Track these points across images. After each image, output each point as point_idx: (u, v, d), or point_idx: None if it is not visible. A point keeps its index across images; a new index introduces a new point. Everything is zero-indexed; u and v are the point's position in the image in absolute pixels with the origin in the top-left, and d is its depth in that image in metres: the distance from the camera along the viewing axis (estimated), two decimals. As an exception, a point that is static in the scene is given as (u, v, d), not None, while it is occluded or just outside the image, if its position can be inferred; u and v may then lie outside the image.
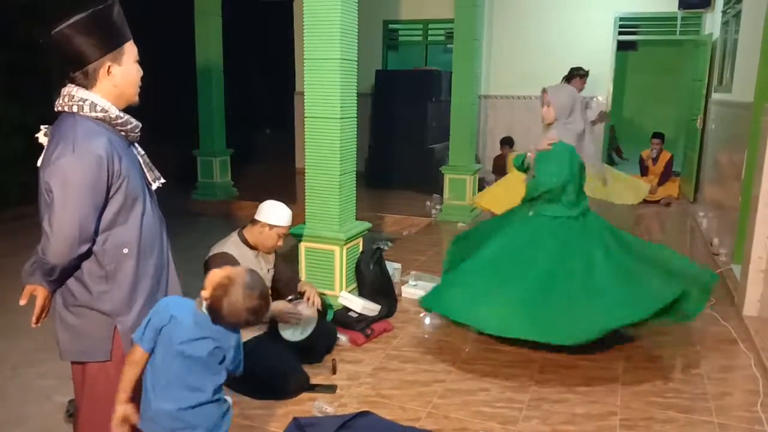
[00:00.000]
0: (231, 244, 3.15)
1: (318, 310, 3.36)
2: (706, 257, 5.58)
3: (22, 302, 1.96)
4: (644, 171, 8.32)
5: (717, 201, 6.15)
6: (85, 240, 1.79)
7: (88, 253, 1.83)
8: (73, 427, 2.07)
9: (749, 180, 4.48)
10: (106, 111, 1.83)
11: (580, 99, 3.75)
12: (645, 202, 7.97)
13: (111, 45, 1.82)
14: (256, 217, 3.19)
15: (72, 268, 1.84)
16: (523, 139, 8.60)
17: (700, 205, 7.46)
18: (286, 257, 3.78)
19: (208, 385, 1.84)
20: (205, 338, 1.80)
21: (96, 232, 1.82)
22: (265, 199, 3.31)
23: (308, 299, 3.37)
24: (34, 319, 1.97)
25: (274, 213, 3.18)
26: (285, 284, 3.44)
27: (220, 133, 8.05)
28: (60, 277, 1.86)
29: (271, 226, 3.17)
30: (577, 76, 5.87)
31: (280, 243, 3.25)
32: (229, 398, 1.98)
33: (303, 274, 4.03)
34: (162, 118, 8.89)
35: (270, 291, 3.34)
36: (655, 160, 8.24)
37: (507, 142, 8.57)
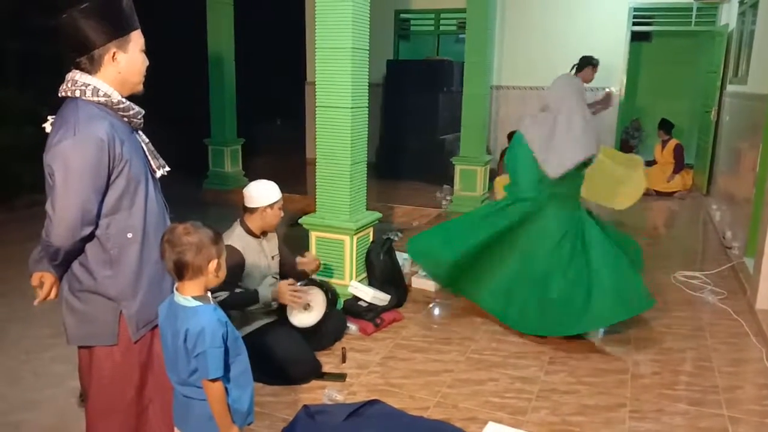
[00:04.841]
0: (235, 237, 3.14)
1: (327, 298, 3.36)
2: (718, 250, 5.54)
3: (34, 284, 1.99)
4: (652, 161, 8.29)
5: (730, 194, 6.09)
6: (88, 223, 1.80)
7: (92, 237, 1.85)
8: (85, 411, 2.10)
9: (764, 172, 4.44)
10: (108, 96, 1.84)
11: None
12: (657, 193, 7.93)
13: (118, 32, 1.84)
14: (251, 205, 3.18)
15: (76, 251, 1.86)
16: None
17: (713, 197, 7.39)
18: (288, 242, 3.77)
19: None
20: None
21: (98, 216, 1.83)
22: None
23: (311, 267, 3.49)
24: (36, 302, 2.00)
25: (265, 193, 3.19)
26: (290, 267, 3.48)
27: (231, 122, 8.06)
28: (65, 260, 1.88)
29: (271, 206, 3.19)
30: (588, 65, 5.56)
31: (282, 214, 3.28)
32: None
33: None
34: (173, 107, 8.93)
35: (278, 276, 3.39)
36: (662, 146, 8.22)
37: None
